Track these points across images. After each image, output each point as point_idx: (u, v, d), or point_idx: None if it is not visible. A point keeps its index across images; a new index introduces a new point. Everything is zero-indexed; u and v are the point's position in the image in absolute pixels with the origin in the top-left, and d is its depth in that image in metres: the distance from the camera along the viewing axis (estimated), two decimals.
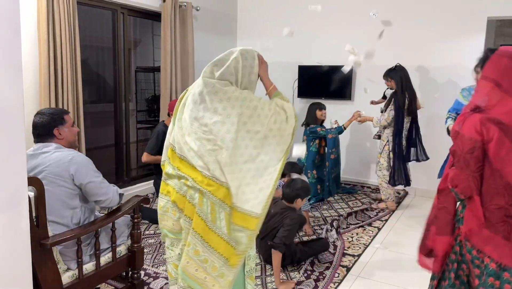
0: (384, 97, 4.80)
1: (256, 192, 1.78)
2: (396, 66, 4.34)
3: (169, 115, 3.75)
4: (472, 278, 1.69)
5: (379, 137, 4.56)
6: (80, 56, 3.71)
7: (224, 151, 1.77)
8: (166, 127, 3.70)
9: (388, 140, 4.33)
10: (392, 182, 4.28)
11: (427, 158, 4.34)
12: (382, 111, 4.51)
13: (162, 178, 1.98)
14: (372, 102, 4.88)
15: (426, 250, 1.89)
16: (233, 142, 1.77)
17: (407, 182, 4.32)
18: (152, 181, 4.90)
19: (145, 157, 3.75)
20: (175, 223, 1.89)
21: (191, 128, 1.84)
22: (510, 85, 1.58)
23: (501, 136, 1.53)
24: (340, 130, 4.57)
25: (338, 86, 5.44)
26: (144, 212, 3.93)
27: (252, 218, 1.76)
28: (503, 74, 1.59)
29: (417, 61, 4.91)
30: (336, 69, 5.40)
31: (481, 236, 1.62)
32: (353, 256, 3.29)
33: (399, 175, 4.26)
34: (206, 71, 1.91)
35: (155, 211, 3.68)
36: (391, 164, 4.30)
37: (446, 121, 3.56)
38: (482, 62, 2.43)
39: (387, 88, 4.68)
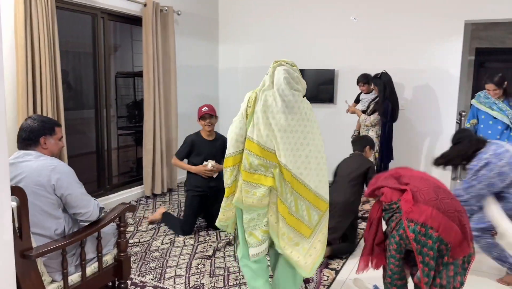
0: (357, 101, 4.96)
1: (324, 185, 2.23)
2: (382, 73, 4.44)
3: (206, 118, 3.76)
4: (416, 255, 2.03)
5: (359, 133, 4.75)
6: (60, 62, 3.62)
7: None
8: (199, 136, 3.83)
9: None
10: None
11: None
12: (366, 114, 4.65)
13: (247, 170, 2.17)
14: (348, 111, 4.90)
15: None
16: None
17: None
18: (135, 188, 4.85)
19: (173, 160, 3.93)
20: (262, 201, 2.16)
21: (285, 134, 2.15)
22: None
23: None
24: None
25: (320, 90, 5.47)
26: (170, 220, 3.89)
27: (324, 203, 2.21)
28: None
29: (397, 65, 4.97)
30: (318, 73, 5.44)
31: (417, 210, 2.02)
32: (341, 258, 3.29)
33: None
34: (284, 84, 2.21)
35: (179, 219, 3.85)
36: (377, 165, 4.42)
37: None
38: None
39: (361, 93, 4.84)
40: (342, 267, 3.15)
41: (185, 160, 3.89)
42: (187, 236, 3.69)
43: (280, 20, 5.63)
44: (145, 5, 4.52)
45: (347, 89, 5.33)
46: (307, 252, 2.16)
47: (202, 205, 3.83)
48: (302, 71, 5.43)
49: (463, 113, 6.07)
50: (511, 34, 7.62)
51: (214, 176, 3.77)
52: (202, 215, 3.98)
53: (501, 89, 3.80)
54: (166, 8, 4.78)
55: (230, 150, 2.25)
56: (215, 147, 3.81)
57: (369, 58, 5.16)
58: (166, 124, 4.96)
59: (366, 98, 4.75)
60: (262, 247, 2.22)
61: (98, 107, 4.43)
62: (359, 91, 5.11)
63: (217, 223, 2.44)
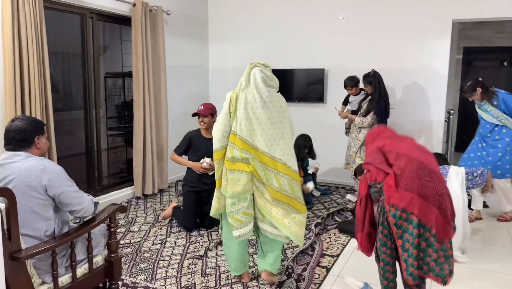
0: (346, 102, 4.86)
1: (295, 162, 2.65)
2: (372, 71, 4.43)
3: (212, 116, 3.84)
4: (396, 239, 2.11)
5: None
6: (48, 62, 3.59)
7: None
8: (198, 133, 3.92)
9: (363, 141, 4.40)
10: None
11: None
12: (359, 115, 4.52)
13: (230, 159, 2.56)
14: (341, 114, 4.77)
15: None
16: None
17: None
18: (125, 189, 4.83)
19: (172, 155, 3.99)
20: (245, 187, 2.56)
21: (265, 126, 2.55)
22: None
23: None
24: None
25: (310, 89, 5.50)
26: (177, 215, 3.99)
27: (298, 174, 2.64)
28: None
29: (386, 64, 5.01)
30: (308, 72, 5.46)
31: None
32: (332, 256, 3.31)
33: None
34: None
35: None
36: None
37: None
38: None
39: (349, 95, 4.77)
40: (333, 265, 3.18)
41: (186, 157, 3.98)
42: (178, 237, 3.69)
43: (270, 20, 5.65)
44: (134, 5, 4.50)
45: (337, 88, 5.36)
46: (297, 221, 2.60)
47: (198, 201, 3.89)
48: (292, 71, 5.51)
49: (452, 111, 6.15)
50: (498, 33, 7.73)
51: (210, 173, 3.80)
52: (199, 210, 3.98)
53: (476, 94, 3.99)
54: (156, 8, 4.76)
55: (216, 144, 2.62)
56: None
57: (358, 57, 5.19)
58: (156, 124, 4.94)
59: (356, 100, 4.70)
60: (245, 229, 2.60)
61: (87, 108, 4.40)
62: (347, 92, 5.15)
63: (211, 213, 2.76)
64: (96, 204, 2.34)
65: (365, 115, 4.43)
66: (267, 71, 2.65)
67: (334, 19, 5.25)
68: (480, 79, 4.03)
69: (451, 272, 2.10)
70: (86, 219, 2.32)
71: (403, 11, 4.91)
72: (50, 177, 2.13)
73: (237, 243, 2.73)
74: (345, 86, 4.64)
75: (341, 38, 5.26)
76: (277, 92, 2.68)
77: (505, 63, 7.84)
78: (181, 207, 4.01)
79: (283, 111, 2.61)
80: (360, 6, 5.12)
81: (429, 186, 2.08)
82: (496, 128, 4.01)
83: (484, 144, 4.09)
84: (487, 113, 4.01)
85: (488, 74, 7.98)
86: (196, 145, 3.88)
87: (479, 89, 3.97)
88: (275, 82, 2.68)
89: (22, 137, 2.17)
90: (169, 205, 4.30)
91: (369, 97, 4.46)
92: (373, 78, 4.37)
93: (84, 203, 2.25)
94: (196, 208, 3.88)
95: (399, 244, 2.11)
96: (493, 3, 4.50)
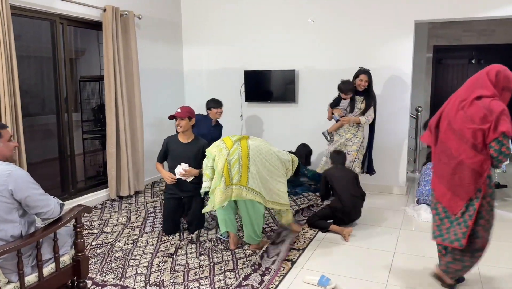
0: (335, 105, 4.64)
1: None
2: (360, 68, 4.60)
3: (190, 119, 3.80)
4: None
5: (331, 137, 4.76)
6: (17, 68, 3.64)
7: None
8: (175, 138, 3.87)
9: (364, 138, 4.67)
10: (370, 171, 4.84)
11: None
12: (356, 114, 4.57)
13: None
14: (344, 119, 4.57)
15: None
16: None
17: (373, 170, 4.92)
18: (100, 191, 4.89)
19: (156, 165, 3.98)
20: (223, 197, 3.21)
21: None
22: None
23: None
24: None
25: (283, 90, 5.64)
26: None
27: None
28: None
29: (352, 64, 5.14)
30: (280, 73, 5.60)
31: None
32: (298, 250, 3.45)
33: (370, 164, 4.86)
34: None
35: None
36: (366, 157, 4.78)
37: None
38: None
39: (338, 98, 4.63)
40: (298, 258, 3.31)
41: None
42: (151, 237, 3.78)
43: (243, 23, 5.77)
44: (104, 10, 4.57)
45: (307, 88, 5.52)
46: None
47: (177, 207, 3.87)
48: (264, 72, 5.63)
49: (420, 108, 6.37)
50: (466, 32, 8.00)
51: (188, 180, 3.75)
52: (181, 216, 4.00)
53: None
54: (127, 12, 4.84)
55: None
56: (191, 150, 3.79)
57: (327, 58, 5.35)
58: (131, 127, 5.01)
59: (347, 101, 4.58)
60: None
61: (59, 112, 4.45)
62: (320, 91, 5.30)
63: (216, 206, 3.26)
64: (61, 205, 2.43)
65: (364, 112, 4.54)
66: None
67: (303, 21, 5.40)
68: None
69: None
70: (51, 220, 2.40)
71: (368, 13, 5.08)
72: (16, 181, 2.21)
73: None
74: (344, 91, 4.49)
75: (310, 40, 5.40)
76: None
77: (473, 61, 8.11)
78: (148, 214, 4.04)
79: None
80: (327, 9, 5.27)
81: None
82: None
83: None
84: None
85: (457, 72, 8.26)
86: (173, 150, 3.82)
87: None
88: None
89: None
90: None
91: (358, 95, 4.57)
92: (369, 73, 4.54)
93: (50, 205, 2.33)
94: (175, 213, 3.86)
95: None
96: (454, 4, 4.69)
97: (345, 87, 4.48)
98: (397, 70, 5.04)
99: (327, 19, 5.29)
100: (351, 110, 4.58)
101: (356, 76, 4.58)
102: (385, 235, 3.82)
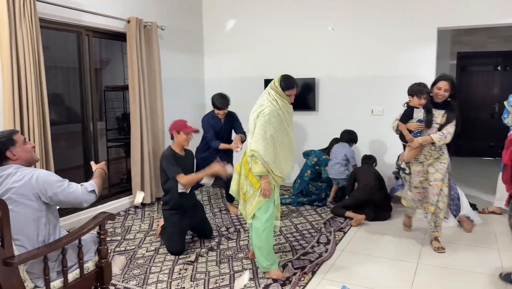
0: (409, 116, 3.55)
1: None
2: (442, 73, 3.63)
3: (172, 138, 3.71)
4: None
5: (399, 172, 3.94)
6: (45, 78, 3.76)
7: None
8: (174, 152, 3.65)
9: (449, 162, 3.56)
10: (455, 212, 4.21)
11: None
12: (433, 132, 3.45)
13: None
14: (417, 140, 3.48)
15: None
16: None
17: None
18: (123, 198, 4.98)
19: (182, 180, 3.52)
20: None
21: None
22: None
23: None
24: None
25: (303, 98, 5.64)
26: (164, 237, 3.79)
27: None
28: None
29: (373, 72, 5.14)
30: (300, 81, 5.60)
31: None
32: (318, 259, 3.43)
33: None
34: None
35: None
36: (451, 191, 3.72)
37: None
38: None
39: (410, 108, 3.56)
40: (319, 268, 3.29)
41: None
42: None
43: (263, 33, 5.82)
44: (128, 21, 4.69)
45: (327, 97, 5.51)
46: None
47: (183, 220, 3.71)
48: None
49: None
50: (491, 38, 7.84)
51: (188, 191, 3.66)
52: (189, 229, 3.88)
53: None
54: (150, 24, 4.95)
55: None
56: (191, 161, 3.90)
57: (347, 66, 5.34)
58: (153, 135, 5.11)
59: (420, 112, 3.53)
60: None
61: (84, 121, 4.58)
62: (340, 99, 5.27)
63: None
64: (93, 191, 2.43)
65: (440, 128, 3.42)
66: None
67: (324, 30, 5.41)
68: None
69: None
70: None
71: (389, 21, 5.05)
72: (42, 184, 2.27)
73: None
74: (418, 93, 3.46)
75: (331, 48, 5.41)
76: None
77: (499, 68, 7.93)
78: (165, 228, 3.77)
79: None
80: (348, 17, 5.28)
81: None
82: None
83: None
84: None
85: (482, 79, 8.08)
86: (181, 165, 3.62)
87: None
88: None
89: None
90: (159, 224, 4.04)
91: (437, 108, 3.49)
92: (448, 76, 3.52)
93: (79, 197, 2.35)
94: (182, 228, 3.68)
95: None
96: (477, 11, 4.62)
97: (420, 88, 3.46)
98: (420, 78, 4.89)
99: (348, 27, 5.29)
100: (428, 126, 3.47)
101: (434, 83, 3.51)
102: (409, 246, 3.75)
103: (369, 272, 3.24)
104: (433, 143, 3.43)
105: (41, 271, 2.25)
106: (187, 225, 3.77)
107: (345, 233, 4.05)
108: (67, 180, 2.39)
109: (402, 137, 3.59)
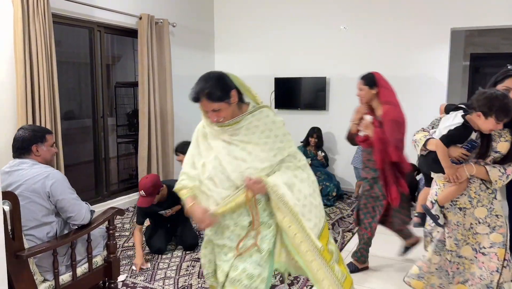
0: (465, 139, 2.11)
1: None
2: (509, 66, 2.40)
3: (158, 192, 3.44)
4: None
5: (424, 219, 2.42)
6: (57, 73, 3.79)
7: None
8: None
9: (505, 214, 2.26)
10: None
11: None
12: (488, 161, 2.12)
13: None
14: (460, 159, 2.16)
15: None
16: None
17: None
18: (132, 194, 5.00)
19: (136, 232, 3.49)
20: None
21: None
22: None
23: None
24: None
25: (313, 97, 5.62)
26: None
27: None
28: None
29: (385, 72, 5.04)
30: (311, 81, 5.58)
31: None
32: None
33: None
34: None
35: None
36: None
37: None
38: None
39: (464, 123, 2.15)
40: None
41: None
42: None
43: (274, 31, 5.80)
44: (140, 18, 4.70)
45: (338, 96, 5.48)
46: None
47: (166, 232, 3.66)
48: (295, 80, 5.63)
49: None
50: (505, 39, 7.72)
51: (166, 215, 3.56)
52: (171, 239, 3.77)
53: None
54: (161, 20, 4.96)
55: None
56: (167, 203, 3.53)
57: (358, 66, 5.28)
58: (162, 132, 5.12)
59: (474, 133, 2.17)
60: None
61: (95, 116, 4.60)
62: (351, 99, 5.23)
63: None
64: (92, 212, 2.49)
65: (504, 159, 2.09)
66: None
67: (335, 29, 5.38)
68: None
69: None
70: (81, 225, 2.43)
71: (402, 21, 5.00)
72: (54, 183, 2.29)
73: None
74: (502, 115, 1.99)
75: (342, 47, 5.37)
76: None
77: None
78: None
79: None
80: (360, 17, 5.23)
81: None
82: None
83: None
84: None
85: None
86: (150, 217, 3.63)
87: None
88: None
89: (21, 145, 2.34)
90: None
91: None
92: None
93: (81, 210, 2.37)
94: (163, 234, 3.61)
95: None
96: (491, 12, 4.56)
97: (508, 106, 1.98)
98: (432, 79, 4.92)
99: (360, 26, 5.25)
100: (484, 153, 2.11)
101: (495, 83, 2.34)
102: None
103: (378, 273, 3.22)
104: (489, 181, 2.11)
105: (50, 265, 2.28)
106: (168, 236, 3.68)
107: (353, 234, 4.02)
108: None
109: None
